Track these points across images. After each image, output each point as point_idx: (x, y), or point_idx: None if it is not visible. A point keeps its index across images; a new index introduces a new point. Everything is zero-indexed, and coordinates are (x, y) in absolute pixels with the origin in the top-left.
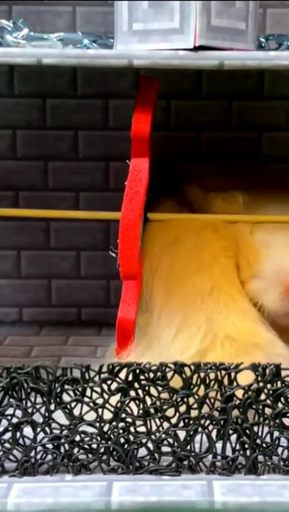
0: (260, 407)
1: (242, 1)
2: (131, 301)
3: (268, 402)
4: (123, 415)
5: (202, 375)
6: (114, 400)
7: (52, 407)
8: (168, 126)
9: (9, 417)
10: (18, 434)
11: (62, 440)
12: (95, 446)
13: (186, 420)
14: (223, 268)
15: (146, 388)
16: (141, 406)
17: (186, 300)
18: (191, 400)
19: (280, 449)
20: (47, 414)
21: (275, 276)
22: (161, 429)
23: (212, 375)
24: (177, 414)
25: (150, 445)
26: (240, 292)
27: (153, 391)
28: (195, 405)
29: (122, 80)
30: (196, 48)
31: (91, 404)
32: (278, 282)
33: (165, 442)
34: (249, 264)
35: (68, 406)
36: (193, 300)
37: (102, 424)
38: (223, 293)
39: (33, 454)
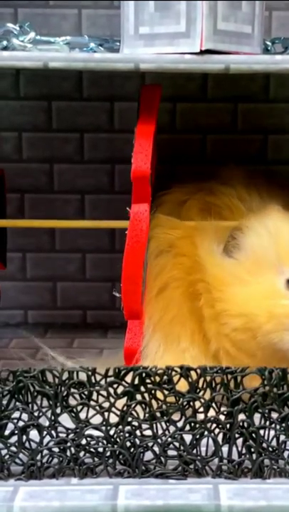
0: (267, 410)
1: (249, 1)
2: (137, 330)
3: (274, 406)
4: (129, 419)
5: (208, 378)
6: (121, 403)
7: (58, 410)
8: (173, 129)
9: (15, 421)
10: (25, 437)
11: (69, 444)
12: (101, 449)
13: (192, 424)
14: (168, 301)
15: (153, 392)
16: (147, 409)
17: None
18: (197, 404)
19: (286, 453)
20: (53, 417)
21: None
22: (167, 432)
23: (218, 379)
24: (183, 418)
25: (156, 449)
26: (186, 327)
27: (159, 395)
28: (201, 409)
29: (127, 82)
30: (202, 52)
31: (97, 407)
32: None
33: (171, 446)
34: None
35: (74, 409)
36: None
37: (108, 428)
38: (160, 331)
39: (39, 457)
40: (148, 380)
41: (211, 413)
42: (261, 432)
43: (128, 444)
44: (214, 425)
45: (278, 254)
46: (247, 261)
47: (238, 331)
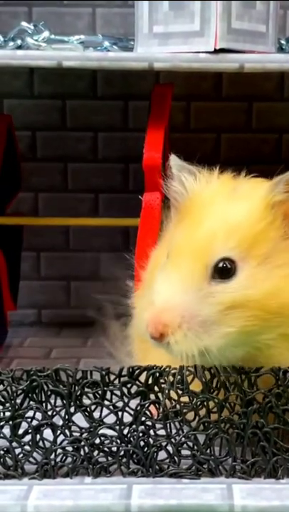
0: (281, 411)
1: (263, 1)
2: None
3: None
4: (143, 418)
5: (222, 378)
6: (134, 403)
7: (72, 409)
8: (188, 128)
9: (29, 420)
10: (38, 436)
11: (82, 443)
12: (114, 449)
13: (206, 424)
14: None
15: (166, 391)
16: (161, 409)
17: None
18: (211, 404)
19: None
20: (67, 416)
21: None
22: (181, 432)
23: (232, 379)
24: (197, 418)
25: (170, 448)
26: None
27: (173, 394)
28: (215, 409)
29: (142, 81)
30: (217, 51)
31: (111, 407)
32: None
33: (185, 446)
34: None
35: (88, 409)
36: None
37: (122, 427)
38: None
39: (52, 456)
40: (161, 380)
41: (225, 413)
42: (275, 432)
43: (142, 443)
44: (228, 425)
45: None
46: None
47: None
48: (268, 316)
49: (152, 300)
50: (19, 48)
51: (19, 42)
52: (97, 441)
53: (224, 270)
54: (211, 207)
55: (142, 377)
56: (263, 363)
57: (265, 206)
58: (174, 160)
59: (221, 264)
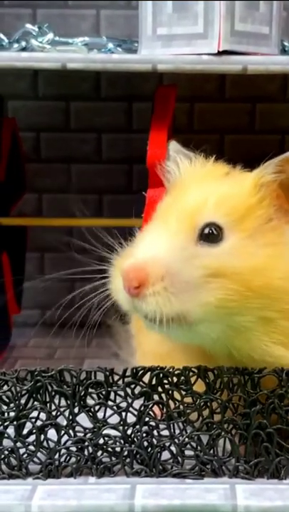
0: (284, 412)
1: (266, 1)
2: None
3: None
4: (146, 419)
5: (225, 379)
6: (138, 403)
7: (76, 410)
8: (191, 129)
9: (34, 420)
10: (43, 436)
11: (86, 443)
12: (118, 449)
13: (209, 424)
14: None
15: (170, 392)
16: (164, 410)
17: None
18: (215, 405)
19: None
20: (71, 417)
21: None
22: (184, 432)
23: (235, 380)
24: (200, 418)
25: (173, 449)
26: None
27: (176, 395)
28: (218, 409)
29: (145, 82)
30: (220, 53)
31: (115, 407)
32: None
33: (188, 446)
34: None
35: (92, 409)
36: None
37: (126, 428)
38: None
39: (57, 456)
40: (165, 381)
41: (228, 414)
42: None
43: (145, 443)
44: (231, 426)
45: None
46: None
47: None
48: (249, 293)
49: (133, 253)
50: (23, 49)
51: (23, 44)
52: (101, 441)
53: (211, 235)
54: (202, 183)
55: (146, 378)
56: (238, 347)
57: (254, 185)
58: (173, 144)
59: (208, 229)
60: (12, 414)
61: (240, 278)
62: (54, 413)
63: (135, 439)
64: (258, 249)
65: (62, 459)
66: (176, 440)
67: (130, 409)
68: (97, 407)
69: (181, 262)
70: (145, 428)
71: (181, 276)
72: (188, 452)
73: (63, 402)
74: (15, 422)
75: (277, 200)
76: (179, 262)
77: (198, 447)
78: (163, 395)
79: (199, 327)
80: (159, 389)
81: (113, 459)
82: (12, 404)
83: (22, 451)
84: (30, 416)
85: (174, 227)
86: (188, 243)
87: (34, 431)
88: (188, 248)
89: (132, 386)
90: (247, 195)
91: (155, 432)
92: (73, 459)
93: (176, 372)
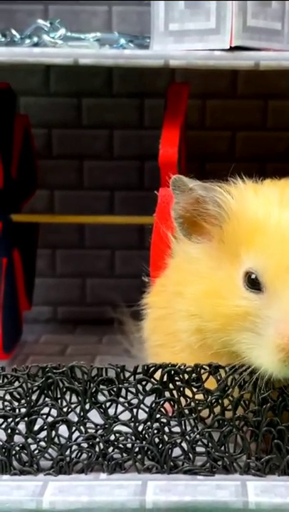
0: None
1: (278, 0)
2: None
3: None
4: (158, 415)
5: (237, 376)
6: (149, 400)
7: (87, 406)
8: (203, 126)
9: (45, 416)
10: (54, 433)
11: (97, 439)
12: (129, 445)
13: (221, 421)
14: None
15: (181, 389)
16: (176, 407)
17: None
18: (226, 402)
19: None
20: (82, 413)
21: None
22: (195, 429)
23: (246, 377)
24: (212, 415)
25: (184, 445)
26: None
27: (188, 392)
28: (230, 406)
29: (157, 79)
30: (232, 49)
31: (126, 404)
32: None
33: (199, 443)
34: None
35: (103, 406)
36: None
37: (137, 424)
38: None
39: (68, 452)
40: (177, 378)
41: (240, 411)
42: None
43: (156, 440)
44: (242, 423)
45: (237, 239)
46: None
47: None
48: None
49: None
50: (35, 45)
51: (35, 39)
52: (112, 437)
53: None
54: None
55: (157, 375)
56: None
57: None
58: (190, 182)
59: None
60: (23, 410)
61: None
62: (65, 409)
63: (146, 435)
64: None
65: (73, 455)
66: (187, 437)
67: (141, 405)
68: (108, 404)
69: None
70: (156, 425)
71: None
72: (199, 449)
73: (74, 399)
74: (26, 418)
75: None
76: None
77: (210, 444)
78: (174, 392)
79: None
80: (171, 386)
81: (124, 455)
82: (23, 401)
83: (33, 447)
84: (42, 412)
85: None
86: None
87: (45, 427)
88: None
89: (144, 383)
90: None
91: (166, 429)
92: (84, 455)
93: (187, 370)
